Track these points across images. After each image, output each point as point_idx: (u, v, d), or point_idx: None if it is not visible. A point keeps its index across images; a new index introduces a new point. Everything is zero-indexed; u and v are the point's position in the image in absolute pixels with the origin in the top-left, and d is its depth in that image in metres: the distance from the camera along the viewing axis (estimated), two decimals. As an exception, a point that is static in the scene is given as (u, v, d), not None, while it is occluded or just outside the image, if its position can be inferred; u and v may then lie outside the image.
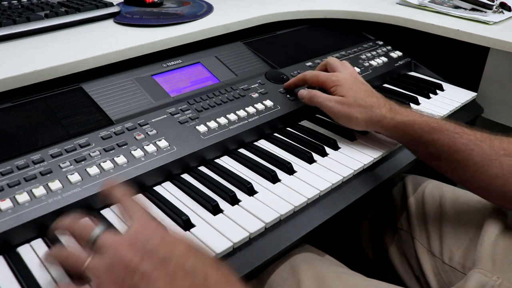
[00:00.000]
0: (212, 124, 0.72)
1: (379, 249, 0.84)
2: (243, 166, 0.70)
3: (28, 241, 0.54)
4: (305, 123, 0.83)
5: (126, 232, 0.46)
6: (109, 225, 0.57)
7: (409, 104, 0.92)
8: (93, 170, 0.60)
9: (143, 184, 0.63)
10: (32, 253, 0.53)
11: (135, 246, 0.43)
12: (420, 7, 1.12)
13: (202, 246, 0.48)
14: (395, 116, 0.70)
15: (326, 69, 0.82)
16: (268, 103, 0.80)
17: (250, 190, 0.64)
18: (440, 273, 0.72)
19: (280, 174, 0.68)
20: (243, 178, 0.66)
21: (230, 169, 0.69)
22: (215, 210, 0.60)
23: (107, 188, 0.52)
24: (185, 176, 0.67)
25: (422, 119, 0.68)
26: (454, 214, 0.75)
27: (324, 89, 0.78)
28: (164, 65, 0.82)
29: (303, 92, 0.79)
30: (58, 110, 0.68)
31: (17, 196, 0.54)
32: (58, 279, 0.49)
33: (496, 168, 0.61)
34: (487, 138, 0.64)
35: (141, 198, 0.62)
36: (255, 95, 0.81)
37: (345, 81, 0.75)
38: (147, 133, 0.68)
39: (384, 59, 1.05)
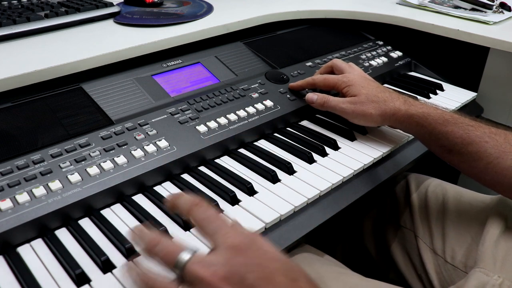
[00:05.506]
0: (212, 124, 0.72)
1: (382, 247, 0.84)
2: (243, 166, 0.70)
3: (28, 241, 0.54)
4: (305, 123, 0.83)
5: (215, 259, 0.40)
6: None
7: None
8: (93, 170, 0.60)
9: (143, 184, 0.63)
10: (32, 253, 0.53)
11: (231, 281, 0.39)
12: (420, 7, 1.12)
13: (301, 271, 0.42)
14: (409, 108, 0.70)
15: (332, 71, 0.83)
16: (268, 103, 0.80)
17: (250, 190, 0.64)
18: (442, 272, 0.72)
19: (280, 174, 0.68)
20: (243, 178, 0.66)
21: (230, 169, 0.69)
22: (215, 210, 0.60)
23: (171, 201, 0.47)
24: (185, 176, 0.67)
25: (436, 111, 0.68)
26: (456, 213, 0.75)
27: (335, 91, 0.78)
28: (164, 65, 0.82)
29: (313, 97, 0.79)
30: (58, 110, 0.68)
31: (17, 196, 0.54)
32: (58, 279, 0.49)
33: (510, 161, 0.61)
34: (502, 132, 0.64)
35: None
36: (255, 95, 0.81)
37: (356, 81, 0.75)
38: (147, 133, 0.68)
39: (384, 59, 1.05)
